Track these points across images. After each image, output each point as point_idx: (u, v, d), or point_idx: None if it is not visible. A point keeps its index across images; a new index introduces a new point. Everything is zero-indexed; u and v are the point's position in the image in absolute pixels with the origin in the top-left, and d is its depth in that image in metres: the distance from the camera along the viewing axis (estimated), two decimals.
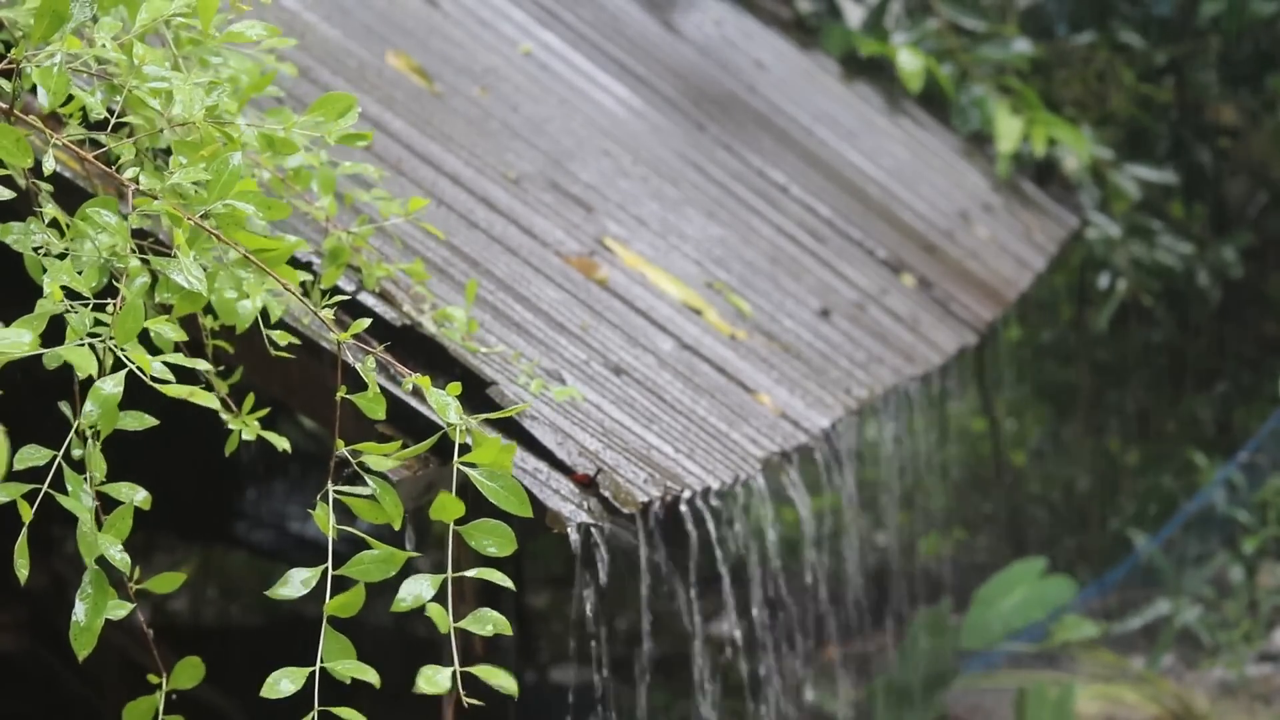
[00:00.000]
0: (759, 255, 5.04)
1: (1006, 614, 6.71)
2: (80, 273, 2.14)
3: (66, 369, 2.09)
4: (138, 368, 2.06)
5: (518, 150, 4.51)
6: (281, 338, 2.52)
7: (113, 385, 2.05)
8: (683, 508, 3.24)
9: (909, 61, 7.32)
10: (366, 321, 2.34)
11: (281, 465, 7.64)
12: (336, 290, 2.90)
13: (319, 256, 2.98)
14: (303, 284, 2.33)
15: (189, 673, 2.22)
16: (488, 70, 4.93)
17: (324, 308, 2.36)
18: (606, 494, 2.96)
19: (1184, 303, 8.82)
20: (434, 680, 2.07)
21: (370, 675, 2.12)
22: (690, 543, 3.39)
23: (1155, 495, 8.86)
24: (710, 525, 3.35)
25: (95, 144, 2.35)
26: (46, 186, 2.31)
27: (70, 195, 2.50)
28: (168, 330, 2.16)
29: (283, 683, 2.09)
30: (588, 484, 2.96)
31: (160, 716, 2.22)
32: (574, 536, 2.87)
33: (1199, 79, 8.54)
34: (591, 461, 3.01)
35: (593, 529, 2.93)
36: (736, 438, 3.70)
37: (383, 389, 2.29)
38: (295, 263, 2.64)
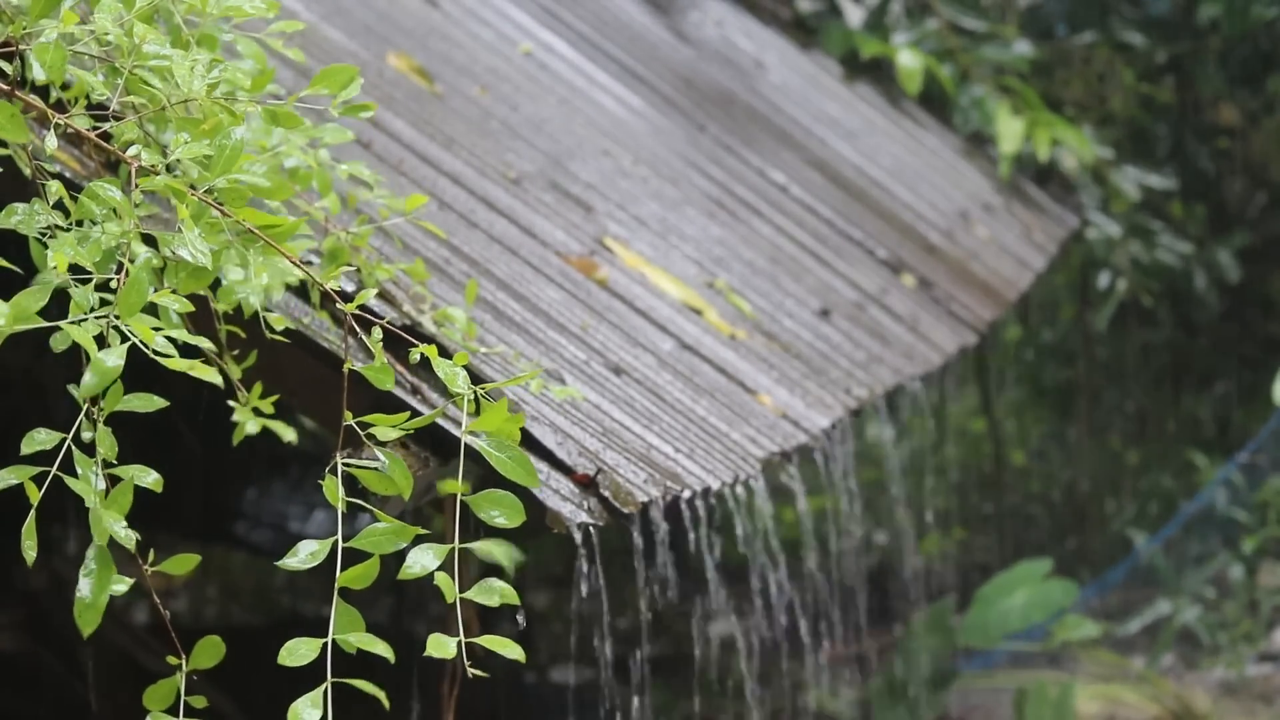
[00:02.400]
0: (759, 255, 5.04)
1: (1006, 615, 6.70)
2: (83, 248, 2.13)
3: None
4: (140, 341, 2.04)
5: (518, 150, 4.51)
6: (278, 322, 2.51)
7: (115, 358, 2.03)
8: (682, 507, 3.24)
9: (908, 62, 7.31)
10: (372, 292, 2.34)
11: (281, 466, 7.62)
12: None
13: (319, 256, 2.98)
14: (301, 284, 2.33)
15: (209, 652, 2.21)
16: (488, 70, 4.93)
17: (329, 277, 2.35)
18: (606, 494, 2.96)
19: (1184, 303, 8.81)
20: (442, 645, 2.08)
21: (380, 647, 2.12)
22: (688, 543, 3.39)
23: (1155, 495, 8.85)
24: (707, 525, 3.35)
25: (98, 128, 2.34)
26: (50, 168, 2.30)
27: (72, 192, 2.50)
28: (173, 304, 2.15)
29: (300, 650, 2.09)
30: (588, 484, 2.96)
31: (182, 698, 2.20)
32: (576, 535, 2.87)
33: (1200, 78, 8.53)
34: (591, 461, 3.01)
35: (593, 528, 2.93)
36: (736, 438, 3.70)
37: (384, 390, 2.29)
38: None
